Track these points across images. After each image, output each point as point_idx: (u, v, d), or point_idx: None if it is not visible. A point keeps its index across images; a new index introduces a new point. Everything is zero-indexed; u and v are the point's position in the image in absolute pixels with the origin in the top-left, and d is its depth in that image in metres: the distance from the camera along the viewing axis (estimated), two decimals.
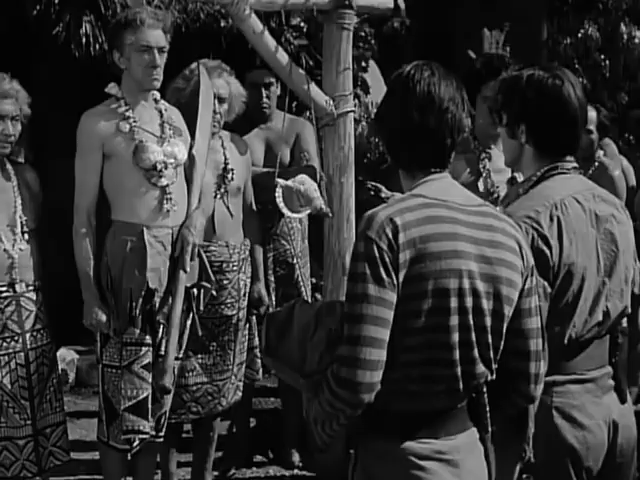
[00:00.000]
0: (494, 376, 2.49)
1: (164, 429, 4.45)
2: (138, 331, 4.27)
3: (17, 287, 4.24)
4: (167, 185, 4.31)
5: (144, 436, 4.31)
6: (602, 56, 11.75)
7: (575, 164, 2.96)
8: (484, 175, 4.49)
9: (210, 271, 4.51)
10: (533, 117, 2.89)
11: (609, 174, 5.43)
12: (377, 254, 2.33)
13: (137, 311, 4.26)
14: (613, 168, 5.47)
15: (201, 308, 4.51)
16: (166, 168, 4.30)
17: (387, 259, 2.33)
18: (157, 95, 4.43)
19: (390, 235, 2.33)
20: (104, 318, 4.24)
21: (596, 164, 5.48)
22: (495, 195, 4.43)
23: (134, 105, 4.33)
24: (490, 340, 2.44)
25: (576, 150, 2.96)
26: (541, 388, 2.58)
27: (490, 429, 2.57)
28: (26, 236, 4.27)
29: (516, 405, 2.64)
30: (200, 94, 4.58)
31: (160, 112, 4.40)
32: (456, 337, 2.39)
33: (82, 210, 4.27)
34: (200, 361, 4.74)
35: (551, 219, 2.80)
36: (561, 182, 2.89)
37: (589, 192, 2.94)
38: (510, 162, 3.06)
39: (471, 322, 2.40)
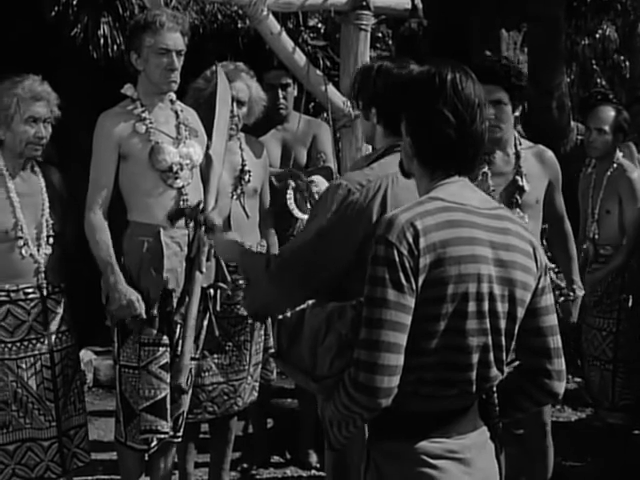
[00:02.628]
0: (504, 375, 2.50)
1: (182, 429, 4.46)
2: (155, 331, 4.28)
3: (44, 290, 4.27)
4: (183, 186, 4.32)
5: (162, 436, 4.32)
6: (622, 57, 11.71)
7: None
8: (480, 178, 4.50)
9: (226, 271, 4.52)
10: (381, 101, 3.19)
11: (627, 176, 5.40)
12: (397, 259, 2.31)
13: (154, 312, 4.27)
14: (632, 170, 5.44)
15: (217, 308, 4.52)
16: (182, 169, 4.31)
17: (407, 264, 2.32)
18: (173, 96, 4.43)
19: (411, 240, 2.32)
20: (134, 297, 4.21)
21: (614, 165, 5.45)
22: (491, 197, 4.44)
23: (150, 106, 4.34)
24: (504, 342, 2.45)
25: None
26: (564, 385, 2.58)
27: (500, 427, 2.59)
28: (52, 239, 4.28)
29: (540, 402, 2.66)
30: (217, 95, 4.58)
31: (176, 113, 4.41)
32: (473, 341, 2.39)
33: (95, 207, 4.25)
34: (216, 361, 4.74)
35: (379, 188, 3.10)
36: (398, 158, 3.13)
37: None
38: (367, 139, 3.41)
39: (488, 326, 2.40)
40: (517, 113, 4.48)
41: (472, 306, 2.37)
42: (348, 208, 3.08)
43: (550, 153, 4.67)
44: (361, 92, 3.28)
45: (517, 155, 4.54)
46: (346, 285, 3.13)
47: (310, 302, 2.63)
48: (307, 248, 3.11)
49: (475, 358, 2.40)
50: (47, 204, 4.30)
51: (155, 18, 4.24)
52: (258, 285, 3.19)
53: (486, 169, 4.52)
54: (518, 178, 4.51)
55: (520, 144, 4.57)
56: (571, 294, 4.68)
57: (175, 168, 4.29)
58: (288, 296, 3.09)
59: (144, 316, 4.24)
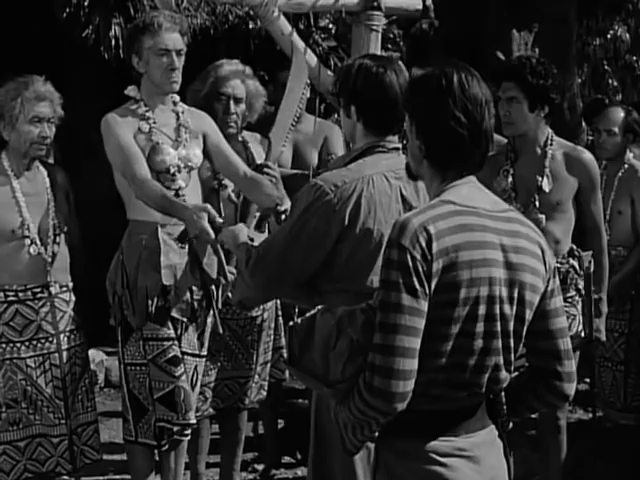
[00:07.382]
0: (512, 374, 2.51)
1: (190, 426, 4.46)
2: (158, 326, 4.28)
3: (52, 289, 4.29)
4: (180, 188, 4.32)
5: (176, 427, 4.32)
6: (634, 57, 11.68)
7: (397, 145, 3.29)
8: (502, 175, 4.49)
9: (226, 268, 4.49)
10: (361, 99, 3.24)
11: (639, 177, 5.40)
12: (411, 263, 2.32)
13: (154, 308, 4.28)
14: None
15: (219, 306, 4.49)
16: (179, 172, 4.32)
17: (420, 268, 2.32)
18: (176, 98, 4.45)
19: (424, 244, 2.32)
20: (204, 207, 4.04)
21: (625, 166, 5.45)
22: (507, 195, 4.42)
23: (153, 107, 4.35)
24: (512, 344, 2.46)
25: (398, 131, 3.28)
26: (574, 386, 2.59)
27: (510, 426, 2.60)
28: (58, 238, 4.30)
29: (551, 404, 2.67)
30: (291, 69, 4.60)
31: (177, 115, 4.42)
32: (484, 344, 2.40)
33: (140, 176, 4.15)
34: (222, 359, 4.74)
35: (354, 190, 3.15)
36: (377, 160, 3.24)
37: (402, 171, 2.94)
38: (348, 138, 3.43)
39: (498, 328, 2.41)
40: (542, 113, 4.43)
41: (483, 309, 2.38)
42: (321, 209, 3.14)
43: (584, 155, 4.54)
44: (342, 90, 3.31)
45: (544, 155, 4.51)
46: (319, 284, 3.20)
47: (320, 307, 2.63)
48: (279, 246, 3.19)
49: (485, 360, 2.41)
50: (52, 203, 4.34)
51: (153, 20, 4.26)
52: (242, 278, 3.31)
53: (508, 167, 4.50)
54: (539, 178, 4.46)
55: (552, 144, 4.50)
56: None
57: (172, 170, 4.30)
58: (262, 291, 3.29)
59: (221, 220, 4.05)
